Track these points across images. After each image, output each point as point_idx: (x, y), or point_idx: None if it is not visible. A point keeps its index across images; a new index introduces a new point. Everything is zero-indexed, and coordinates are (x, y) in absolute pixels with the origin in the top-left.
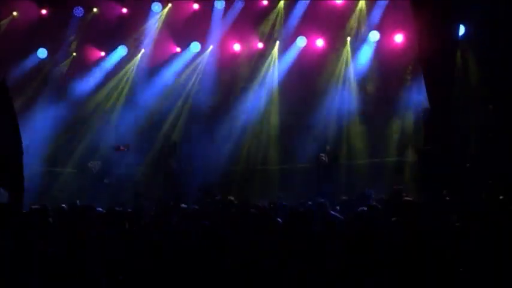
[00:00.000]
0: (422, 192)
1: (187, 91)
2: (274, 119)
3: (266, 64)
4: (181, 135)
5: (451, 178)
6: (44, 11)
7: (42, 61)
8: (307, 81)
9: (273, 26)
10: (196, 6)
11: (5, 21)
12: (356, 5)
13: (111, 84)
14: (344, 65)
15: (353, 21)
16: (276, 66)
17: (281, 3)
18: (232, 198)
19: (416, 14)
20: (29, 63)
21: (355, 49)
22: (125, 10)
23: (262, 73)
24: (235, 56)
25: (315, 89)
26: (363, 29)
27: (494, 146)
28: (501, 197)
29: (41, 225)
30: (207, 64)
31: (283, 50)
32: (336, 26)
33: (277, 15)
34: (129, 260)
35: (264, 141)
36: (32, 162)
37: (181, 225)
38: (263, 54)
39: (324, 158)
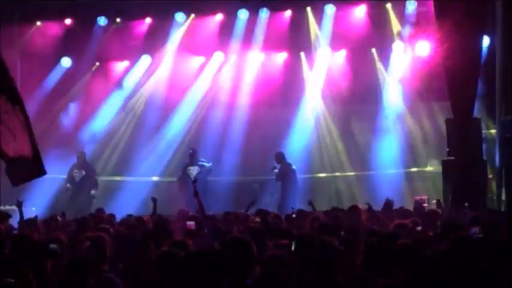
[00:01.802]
0: (445, 202)
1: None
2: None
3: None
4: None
5: (473, 189)
6: (67, 21)
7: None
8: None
9: (298, 36)
10: (220, 16)
11: (29, 31)
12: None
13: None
14: (381, 75)
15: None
16: (312, 78)
17: (309, 14)
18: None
19: (441, 24)
20: (54, 72)
21: (383, 59)
22: (148, 20)
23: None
24: (261, 65)
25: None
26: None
27: None
28: None
29: None
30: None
31: (309, 61)
32: (357, 36)
33: (304, 25)
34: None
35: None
36: None
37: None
38: (288, 65)
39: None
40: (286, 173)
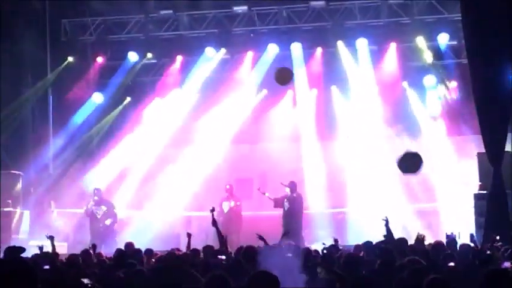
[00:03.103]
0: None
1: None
2: None
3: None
4: None
5: (506, 223)
6: (99, 59)
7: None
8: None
9: (329, 70)
10: (250, 53)
11: (60, 67)
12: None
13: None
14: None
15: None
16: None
17: (340, 48)
18: None
19: (472, 58)
20: (85, 108)
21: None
22: (179, 57)
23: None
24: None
25: None
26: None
27: None
28: None
29: None
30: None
31: (342, 94)
32: (387, 70)
33: (335, 60)
34: None
35: None
36: None
37: None
38: (320, 99)
39: None
40: (300, 203)
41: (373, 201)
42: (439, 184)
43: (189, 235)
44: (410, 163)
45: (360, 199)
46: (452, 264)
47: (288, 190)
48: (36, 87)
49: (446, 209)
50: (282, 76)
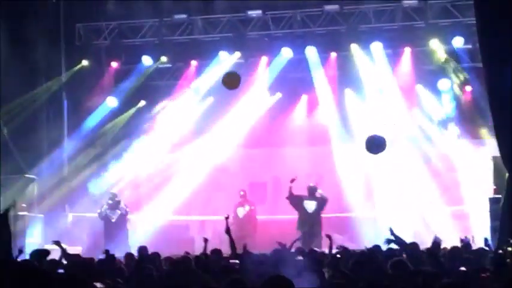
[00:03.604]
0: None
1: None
2: None
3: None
4: None
5: None
6: (113, 63)
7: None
8: None
9: (343, 74)
10: (265, 57)
11: (74, 69)
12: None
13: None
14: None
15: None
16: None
17: (354, 52)
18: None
19: (486, 61)
20: (99, 112)
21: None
22: (194, 61)
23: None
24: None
25: None
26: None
27: None
28: None
29: None
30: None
31: (357, 97)
32: (401, 73)
33: (349, 63)
34: None
35: None
36: None
37: None
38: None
39: None
40: (324, 206)
41: (399, 204)
42: (454, 187)
43: (205, 240)
44: (377, 146)
45: (386, 202)
46: (463, 268)
47: (320, 191)
48: (47, 85)
49: (462, 213)
50: (230, 81)
